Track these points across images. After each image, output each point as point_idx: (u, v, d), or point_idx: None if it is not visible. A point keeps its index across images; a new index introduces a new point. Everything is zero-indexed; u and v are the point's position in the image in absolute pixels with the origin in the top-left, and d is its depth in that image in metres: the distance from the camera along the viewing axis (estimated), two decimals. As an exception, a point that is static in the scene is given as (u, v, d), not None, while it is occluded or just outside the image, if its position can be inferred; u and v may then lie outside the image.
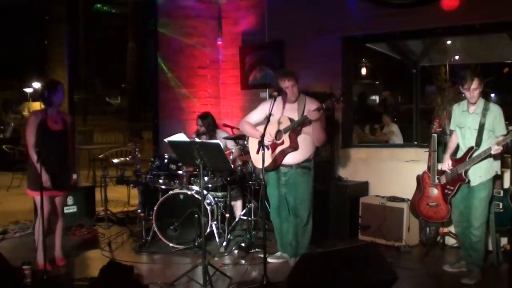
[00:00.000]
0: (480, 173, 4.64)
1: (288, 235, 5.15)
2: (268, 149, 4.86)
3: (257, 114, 5.14)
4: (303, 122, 4.86)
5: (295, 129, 4.89)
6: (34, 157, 4.74)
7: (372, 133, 9.37)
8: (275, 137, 4.91)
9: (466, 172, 4.67)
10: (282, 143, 4.91)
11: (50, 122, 4.82)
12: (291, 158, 4.95)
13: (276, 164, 4.97)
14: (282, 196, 5.09)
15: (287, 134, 4.88)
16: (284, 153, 4.93)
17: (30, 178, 4.94)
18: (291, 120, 4.90)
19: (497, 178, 4.81)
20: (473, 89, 4.57)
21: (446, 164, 4.82)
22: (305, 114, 4.82)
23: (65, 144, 5.01)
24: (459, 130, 4.78)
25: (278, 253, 5.29)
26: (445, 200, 4.98)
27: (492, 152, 4.46)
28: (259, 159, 4.93)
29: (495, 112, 4.57)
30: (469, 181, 4.67)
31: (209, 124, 6.29)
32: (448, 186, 4.83)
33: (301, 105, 4.96)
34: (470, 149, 4.64)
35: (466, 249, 4.81)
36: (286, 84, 4.92)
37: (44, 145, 4.68)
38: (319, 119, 4.79)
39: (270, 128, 4.82)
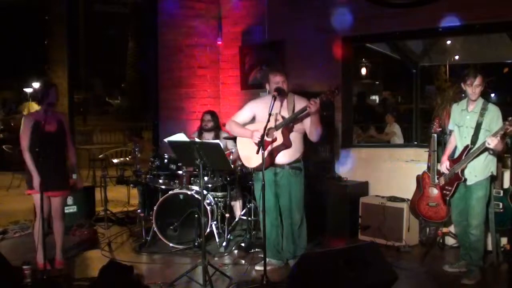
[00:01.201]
0: (475, 173, 4.65)
1: (276, 241, 5.05)
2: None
3: (245, 114, 5.06)
4: (299, 115, 4.77)
5: (287, 125, 4.82)
6: (28, 160, 4.77)
7: (379, 133, 9.39)
8: (266, 134, 4.76)
9: (462, 171, 4.68)
10: (275, 140, 4.84)
11: (43, 123, 4.75)
12: (282, 157, 4.89)
13: (268, 163, 4.85)
14: (275, 198, 5.01)
15: (280, 131, 4.82)
16: (277, 151, 4.86)
17: (27, 177, 4.94)
18: (283, 117, 4.83)
19: (494, 178, 4.80)
20: (475, 85, 4.58)
21: (444, 166, 4.83)
22: (305, 105, 4.70)
23: (61, 145, 4.98)
24: (458, 129, 4.79)
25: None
26: (444, 201, 4.99)
27: (489, 144, 4.40)
28: (249, 158, 4.91)
29: (493, 112, 4.58)
30: (465, 179, 4.68)
31: (216, 122, 6.35)
32: (446, 187, 4.83)
33: (290, 102, 4.91)
34: (466, 147, 4.66)
35: (466, 249, 4.82)
36: (277, 79, 4.86)
37: (39, 146, 4.66)
38: (318, 111, 4.73)
39: (259, 126, 4.74)
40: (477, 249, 4.71)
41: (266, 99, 4.96)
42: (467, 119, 4.69)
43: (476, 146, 4.58)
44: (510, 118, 4.35)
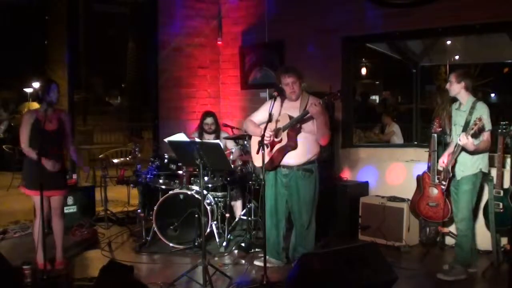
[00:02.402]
0: (462, 168, 4.73)
1: (276, 240, 5.06)
2: (267, 147, 4.80)
3: (260, 114, 5.06)
4: (303, 118, 4.75)
5: (294, 126, 4.79)
6: (31, 154, 4.73)
7: (382, 131, 9.37)
8: (275, 135, 4.80)
9: (453, 167, 4.76)
10: (280, 141, 4.82)
11: (43, 121, 4.74)
12: (291, 158, 4.86)
13: (273, 163, 4.87)
14: (278, 198, 4.99)
15: (286, 131, 4.80)
16: (282, 152, 4.84)
17: (25, 177, 4.94)
18: (290, 117, 4.81)
19: (486, 176, 4.84)
20: (449, 82, 4.75)
21: (441, 161, 4.91)
22: (309, 107, 4.69)
23: (61, 143, 4.96)
24: (453, 127, 4.88)
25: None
26: (443, 196, 5.00)
27: (459, 142, 4.54)
28: (258, 158, 4.92)
29: (480, 111, 4.63)
30: (454, 175, 4.77)
31: (217, 123, 6.39)
32: (443, 182, 4.94)
33: (303, 103, 4.85)
34: (456, 145, 4.72)
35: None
36: (287, 80, 4.84)
37: (38, 144, 4.66)
38: (322, 114, 4.69)
39: (270, 127, 4.77)
40: (461, 245, 4.75)
41: (278, 99, 4.94)
42: (459, 118, 4.78)
43: None
44: (477, 118, 4.44)
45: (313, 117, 4.76)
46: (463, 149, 4.62)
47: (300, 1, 6.91)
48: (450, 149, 4.97)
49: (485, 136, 4.61)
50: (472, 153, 4.63)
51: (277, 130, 4.82)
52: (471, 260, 4.79)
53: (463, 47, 8.00)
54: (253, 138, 5.13)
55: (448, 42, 7.94)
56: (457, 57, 8.40)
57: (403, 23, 6.02)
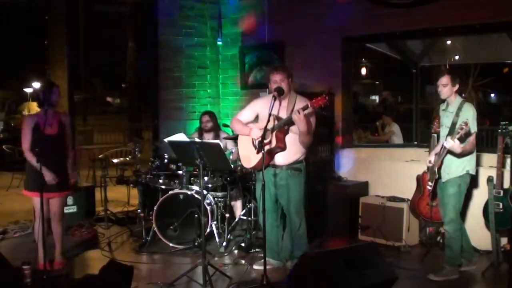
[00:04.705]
0: (448, 170, 4.70)
1: (275, 241, 5.05)
2: (260, 148, 4.72)
3: (248, 112, 5.01)
4: (288, 121, 4.68)
5: (281, 128, 4.73)
6: (31, 159, 4.74)
7: (372, 133, 9.39)
8: (263, 136, 4.63)
9: (439, 169, 4.74)
10: (269, 142, 4.77)
11: (44, 126, 4.74)
12: (281, 159, 4.82)
13: (266, 163, 4.75)
14: (276, 198, 4.97)
15: (274, 133, 4.75)
16: (271, 153, 4.79)
17: (27, 179, 4.94)
18: (278, 119, 4.75)
19: (474, 178, 4.82)
20: (442, 84, 4.66)
21: (428, 161, 4.89)
22: (293, 113, 4.59)
23: (62, 146, 4.95)
24: (441, 129, 4.85)
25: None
26: (429, 197, 5.01)
27: (446, 145, 4.52)
28: (248, 158, 4.88)
29: (467, 112, 4.60)
30: (439, 177, 4.74)
31: (215, 122, 6.38)
32: (429, 182, 4.90)
33: (291, 103, 4.79)
34: (442, 147, 4.71)
35: (461, 247, 4.85)
36: (275, 78, 4.79)
37: (39, 148, 4.65)
38: (303, 122, 4.56)
39: (260, 125, 4.71)
40: (450, 246, 4.75)
41: (269, 97, 4.86)
42: (446, 119, 4.75)
43: None
44: (463, 122, 4.41)
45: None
46: (449, 151, 4.60)
47: (300, 1, 6.91)
48: (437, 149, 4.95)
49: (471, 138, 4.58)
50: (458, 155, 4.60)
51: (265, 131, 4.64)
52: (460, 260, 4.80)
53: (463, 47, 8.01)
54: (240, 139, 5.07)
55: (448, 42, 7.95)
56: (457, 57, 8.42)
57: (403, 23, 6.02)
